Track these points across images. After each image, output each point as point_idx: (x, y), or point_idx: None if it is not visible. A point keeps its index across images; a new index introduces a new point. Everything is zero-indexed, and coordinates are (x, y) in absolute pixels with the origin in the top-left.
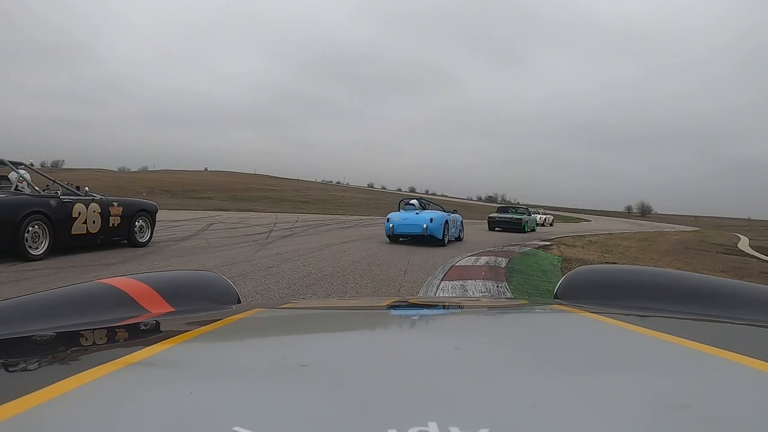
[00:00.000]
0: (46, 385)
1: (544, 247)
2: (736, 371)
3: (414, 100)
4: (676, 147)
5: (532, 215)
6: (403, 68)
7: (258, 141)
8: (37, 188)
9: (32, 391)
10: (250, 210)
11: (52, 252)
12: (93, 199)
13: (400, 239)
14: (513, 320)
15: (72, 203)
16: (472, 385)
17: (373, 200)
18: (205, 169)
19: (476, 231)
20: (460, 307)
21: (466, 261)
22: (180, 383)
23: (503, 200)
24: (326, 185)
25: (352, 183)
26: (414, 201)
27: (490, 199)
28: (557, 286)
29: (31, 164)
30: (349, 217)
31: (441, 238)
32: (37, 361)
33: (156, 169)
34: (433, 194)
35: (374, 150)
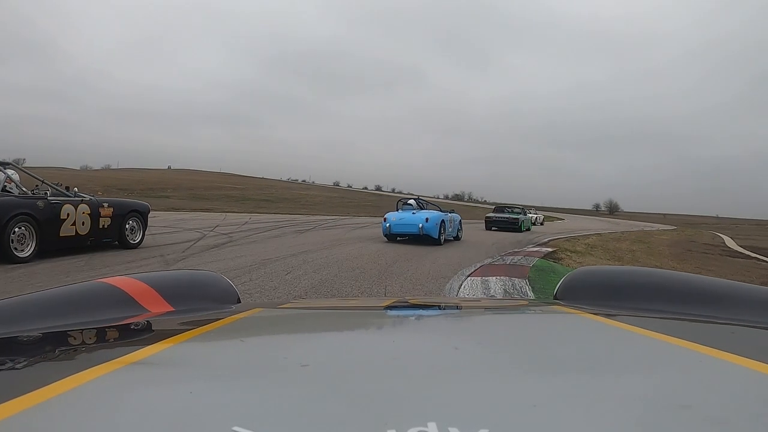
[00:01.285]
0: (46, 384)
1: (551, 256)
2: (735, 372)
3: (381, 98)
4: (641, 148)
5: (528, 215)
6: (369, 66)
7: (224, 139)
8: (24, 189)
9: (32, 390)
10: (207, 210)
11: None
12: (82, 200)
13: (398, 239)
14: (513, 321)
15: (60, 204)
16: (471, 385)
17: (338, 199)
18: (169, 167)
19: (470, 231)
20: (459, 307)
21: (470, 284)
22: (179, 383)
23: (470, 198)
24: (291, 184)
25: (317, 181)
26: (411, 201)
27: (457, 197)
28: (557, 287)
29: (19, 161)
30: (311, 218)
31: (437, 237)
32: (37, 360)
33: (119, 167)
34: (399, 192)
35: (340, 148)
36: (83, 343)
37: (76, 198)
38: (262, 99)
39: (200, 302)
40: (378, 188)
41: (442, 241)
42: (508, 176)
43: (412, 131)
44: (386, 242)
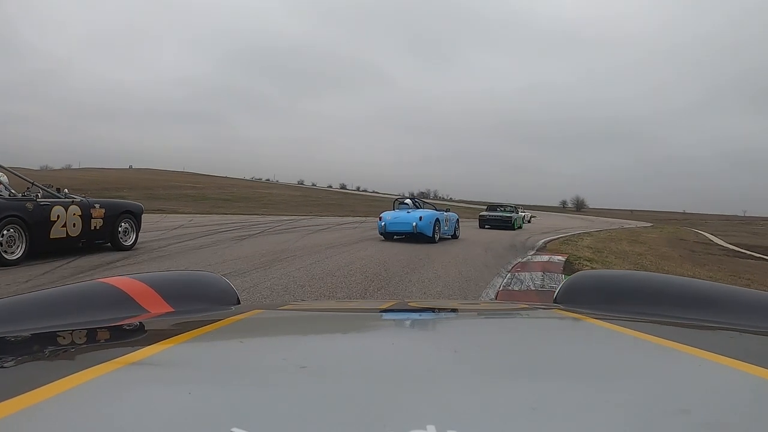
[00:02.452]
0: (45, 384)
1: (572, 270)
2: (734, 377)
3: (346, 95)
4: (606, 146)
5: (519, 213)
6: (336, 63)
7: (189, 138)
8: (13, 191)
9: (31, 390)
10: (159, 210)
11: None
12: (73, 201)
13: (394, 237)
14: (513, 324)
15: (50, 206)
16: (470, 388)
17: (301, 197)
18: (130, 167)
19: (465, 230)
20: (459, 310)
21: None
22: (179, 383)
23: (435, 196)
24: (254, 182)
25: (282, 180)
26: (407, 200)
27: (423, 195)
28: (557, 291)
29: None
30: (266, 218)
31: (431, 235)
32: (36, 360)
33: (81, 167)
34: (364, 191)
35: (306, 146)
36: (83, 343)
37: (67, 199)
38: (228, 97)
39: (200, 303)
40: (343, 186)
41: (437, 239)
42: (474, 174)
43: (378, 129)
44: (346, 257)
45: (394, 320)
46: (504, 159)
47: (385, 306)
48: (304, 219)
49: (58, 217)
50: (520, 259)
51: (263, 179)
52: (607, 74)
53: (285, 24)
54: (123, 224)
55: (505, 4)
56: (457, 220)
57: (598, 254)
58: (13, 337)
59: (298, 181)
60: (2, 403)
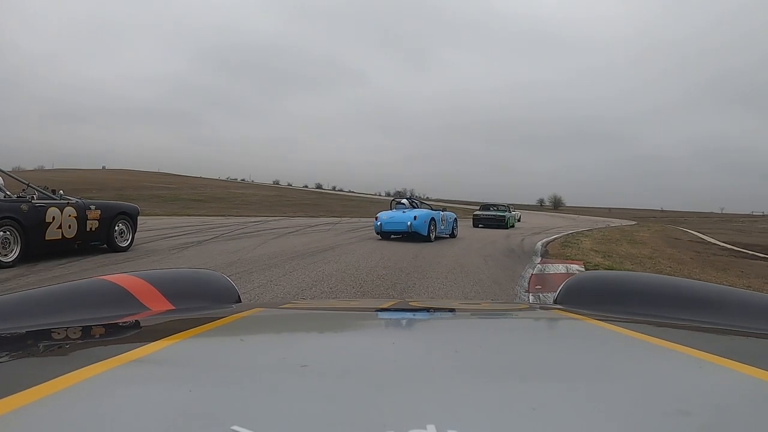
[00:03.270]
0: (46, 381)
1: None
2: (735, 379)
3: (322, 95)
4: (581, 146)
5: (512, 212)
6: (311, 62)
7: (164, 138)
8: (9, 193)
9: (32, 386)
10: None
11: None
12: (68, 203)
13: (391, 237)
14: (513, 325)
15: (45, 207)
16: (471, 388)
17: (275, 197)
18: (103, 167)
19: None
20: (460, 310)
21: None
22: (179, 381)
23: (411, 195)
24: (228, 182)
25: (258, 180)
26: (404, 201)
27: (398, 194)
28: (558, 292)
29: None
30: (234, 220)
31: (426, 234)
32: (37, 357)
33: (54, 168)
34: (340, 190)
35: (282, 146)
36: (84, 340)
37: (62, 201)
38: (203, 96)
39: (201, 301)
40: (319, 186)
41: (433, 238)
42: (449, 173)
43: (354, 129)
44: (311, 273)
45: (394, 320)
46: (480, 158)
47: (385, 305)
48: (274, 220)
49: (54, 218)
50: (531, 271)
51: (238, 179)
52: (584, 75)
53: (259, 22)
54: (119, 226)
55: (481, 3)
56: (455, 219)
57: (609, 259)
58: (15, 334)
59: (274, 181)
60: (2, 399)
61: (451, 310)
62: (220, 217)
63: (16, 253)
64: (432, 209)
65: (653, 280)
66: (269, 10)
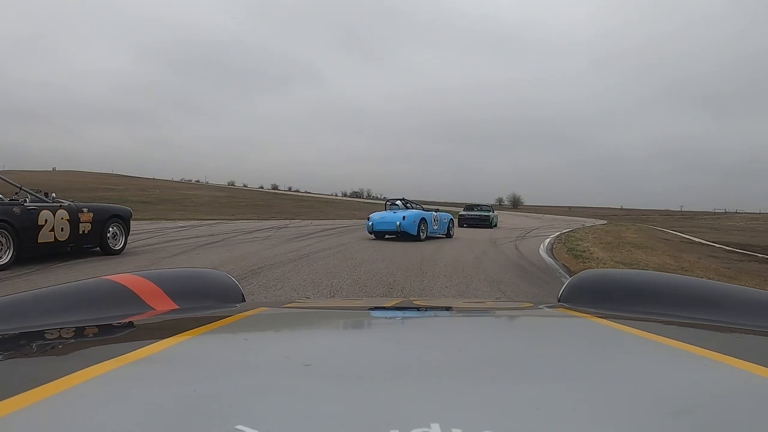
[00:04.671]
0: (52, 380)
1: None
2: (739, 378)
3: (280, 94)
4: (539, 146)
5: (494, 212)
6: (269, 61)
7: (120, 140)
8: (1, 196)
9: (38, 385)
10: None
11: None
12: (61, 206)
13: (385, 236)
14: (517, 323)
15: (37, 210)
16: (475, 387)
17: (226, 199)
18: (54, 168)
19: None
20: (464, 309)
21: None
22: (183, 380)
23: (368, 195)
24: (180, 184)
25: (213, 181)
26: (398, 202)
27: (356, 194)
28: (561, 290)
29: None
30: (162, 225)
31: (415, 233)
32: (43, 356)
33: (2, 169)
34: (296, 191)
35: (240, 147)
36: (88, 339)
37: (55, 203)
38: (162, 97)
39: (205, 300)
40: (275, 187)
41: (423, 237)
42: (407, 173)
43: (312, 128)
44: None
45: (398, 319)
46: (438, 158)
47: (389, 304)
48: (210, 224)
49: (46, 221)
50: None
51: (193, 180)
52: (544, 77)
53: (215, 19)
54: (112, 228)
55: (441, 3)
56: (451, 220)
57: (616, 263)
58: (21, 333)
59: (229, 182)
60: (8, 399)
61: (455, 309)
62: (150, 222)
63: (9, 256)
64: (423, 210)
65: (656, 278)
66: (225, 6)
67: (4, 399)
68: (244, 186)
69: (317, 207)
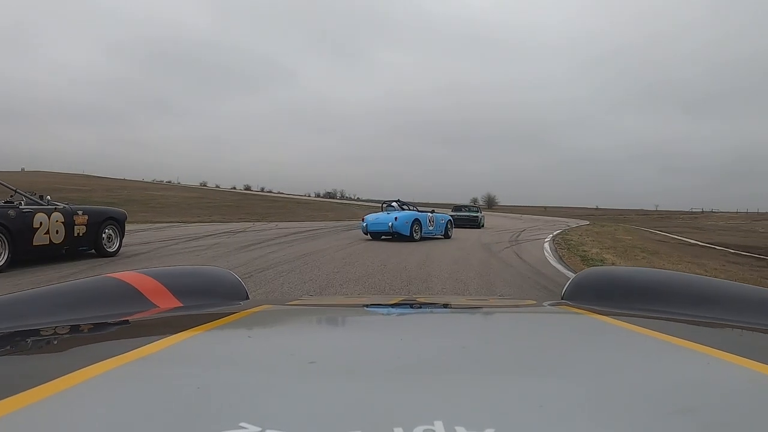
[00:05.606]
0: (55, 378)
1: None
2: (742, 375)
3: (255, 94)
4: (513, 147)
5: (481, 213)
6: (244, 61)
7: (92, 140)
8: None
9: (41, 384)
10: None
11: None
12: (56, 208)
13: (382, 237)
14: (520, 321)
15: (32, 213)
16: (478, 384)
17: (195, 199)
18: (22, 169)
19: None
20: (467, 306)
21: None
22: (187, 378)
23: (342, 196)
24: (149, 184)
25: (185, 182)
26: (394, 203)
27: (329, 195)
28: (565, 287)
29: None
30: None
31: (408, 234)
32: (47, 354)
33: None
34: (269, 192)
35: (214, 147)
36: (92, 337)
37: (50, 206)
38: (133, 97)
39: (208, 298)
40: (248, 188)
41: (417, 238)
42: (382, 173)
43: (286, 129)
44: None
45: (402, 316)
46: (413, 158)
47: (393, 301)
48: (166, 227)
49: (41, 224)
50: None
51: (164, 181)
52: (519, 79)
53: (188, 18)
54: (106, 231)
55: (418, 4)
56: (449, 221)
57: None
58: (23, 331)
59: (201, 183)
60: (13, 397)
61: (459, 307)
62: None
63: (4, 259)
64: (418, 211)
65: (660, 275)
66: (198, 5)
67: (7, 397)
68: (217, 187)
69: (288, 208)
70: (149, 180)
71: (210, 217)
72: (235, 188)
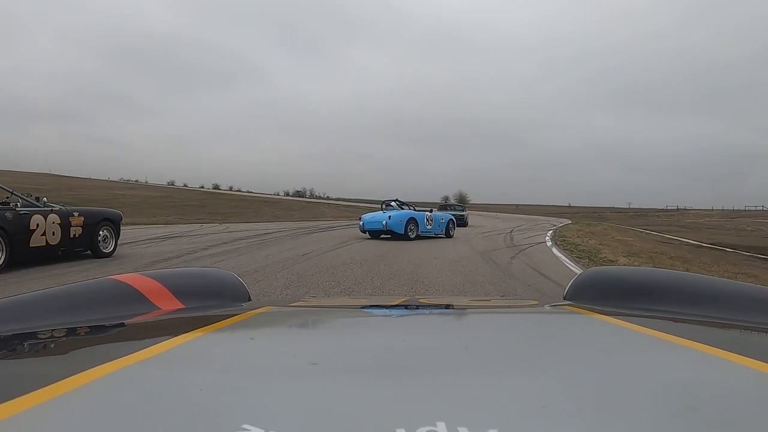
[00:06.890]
0: (58, 380)
1: None
2: (745, 375)
3: (222, 92)
4: (480, 146)
5: (466, 212)
6: (212, 59)
7: (56, 139)
8: None
9: (44, 385)
10: None
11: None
12: (52, 210)
13: (381, 236)
14: (523, 321)
15: (29, 215)
16: (481, 385)
17: (159, 199)
18: None
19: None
20: (470, 307)
21: None
22: (189, 380)
23: (311, 194)
24: (114, 183)
25: (155, 180)
26: (392, 203)
27: (298, 194)
28: (567, 287)
29: None
30: None
31: (402, 232)
32: (49, 356)
33: None
34: (238, 190)
35: (181, 145)
36: (94, 339)
37: (46, 208)
38: (100, 95)
39: (211, 300)
40: (216, 187)
41: (413, 236)
42: (351, 172)
43: (255, 127)
44: None
45: (404, 317)
46: (382, 157)
47: (395, 302)
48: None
49: (38, 225)
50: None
51: (132, 180)
52: (489, 79)
53: (154, 14)
54: (102, 232)
55: (390, 3)
56: (450, 220)
57: None
58: (25, 334)
59: (168, 182)
60: (17, 399)
61: (461, 307)
62: None
63: (2, 261)
64: (414, 210)
65: (662, 275)
66: (166, 3)
67: (10, 399)
68: (185, 186)
69: (254, 207)
70: (116, 179)
71: (166, 218)
72: (203, 187)
